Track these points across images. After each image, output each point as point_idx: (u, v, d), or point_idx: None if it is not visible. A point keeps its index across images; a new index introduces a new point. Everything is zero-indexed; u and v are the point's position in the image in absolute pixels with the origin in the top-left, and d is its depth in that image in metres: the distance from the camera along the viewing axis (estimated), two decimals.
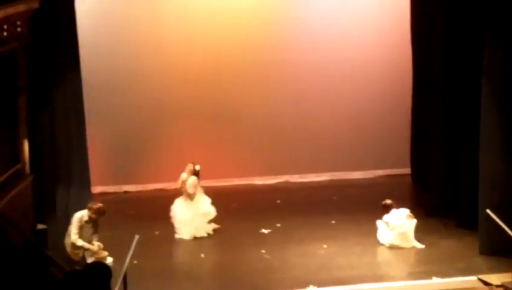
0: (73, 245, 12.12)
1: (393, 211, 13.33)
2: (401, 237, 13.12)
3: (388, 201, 13.48)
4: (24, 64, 13.01)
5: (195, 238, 13.97)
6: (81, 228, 12.16)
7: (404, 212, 13.31)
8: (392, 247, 13.11)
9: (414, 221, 13.28)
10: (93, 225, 12.29)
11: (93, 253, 12.13)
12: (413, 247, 13.12)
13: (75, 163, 13.50)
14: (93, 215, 12.19)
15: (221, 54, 17.34)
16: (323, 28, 17.66)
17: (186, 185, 14.26)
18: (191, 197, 14.25)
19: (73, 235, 12.07)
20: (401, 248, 13.08)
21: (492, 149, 12.47)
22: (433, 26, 14.93)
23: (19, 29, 12.44)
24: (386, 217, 13.32)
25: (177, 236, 14.06)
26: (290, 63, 17.61)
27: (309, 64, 17.62)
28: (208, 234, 14.14)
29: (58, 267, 10.40)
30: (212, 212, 14.36)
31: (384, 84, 17.81)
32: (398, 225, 13.16)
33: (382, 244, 13.28)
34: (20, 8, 12.10)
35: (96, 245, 12.25)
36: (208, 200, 14.46)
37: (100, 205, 12.29)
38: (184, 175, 14.34)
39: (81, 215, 12.23)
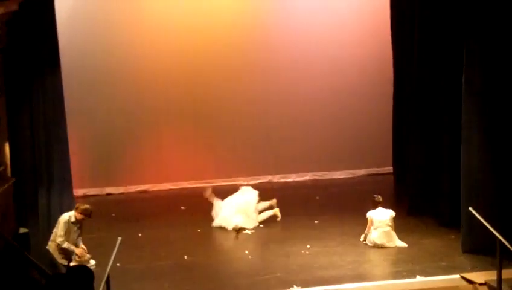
0: (59, 247, 12.01)
1: (380, 209, 13.34)
2: (385, 236, 13.13)
3: (378, 197, 13.51)
4: (2, 67, 12.96)
5: (178, 240, 13.95)
6: (68, 231, 12.08)
7: (390, 213, 13.32)
8: (375, 246, 13.12)
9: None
10: (79, 227, 12.22)
11: (77, 255, 12.07)
12: (396, 246, 13.14)
13: (56, 166, 13.44)
14: (80, 216, 12.10)
15: (202, 54, 17.31)
16: (305, 27, 17.67)
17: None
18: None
19: (59, 238, 11.95)
20: (384, 247, 13.09)
21: (473, 148, 12.51)
22: (413, 27, 14.95)
23: None
24: (370, 212, 13.34)
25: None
26: (271, 63, 17.60)
27: (290, 65, 17.62)
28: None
29: (40, 271, 10.38)
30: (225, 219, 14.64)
31: (366, 84, 17.84)
32: (380, 222, 13.17)
33: (364, 244, 13.30)
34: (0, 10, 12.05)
35: (80, 248, 12.19)
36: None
37: (87, 206, 12.22)
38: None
39: (68, 216, 12.13)
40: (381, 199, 13.47)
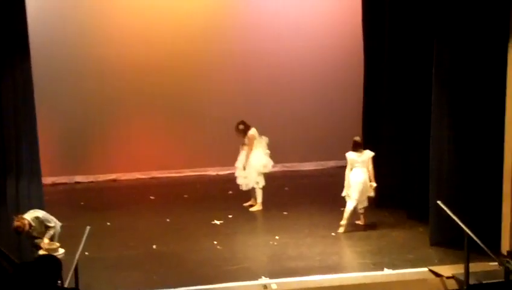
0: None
1: (358, 151, 13.67)
2: (361, 194, 13.58)
3: (357, 138, 13.98)
4: None
5: (147, 229, 13.94)
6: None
7: (367, 154, 13.73)
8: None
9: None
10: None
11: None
12: (365, 239, 13.23)
13: (25, 154, 13.30)
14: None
15: (171, 45, 17.30)
16: (273, 20, 17.68)
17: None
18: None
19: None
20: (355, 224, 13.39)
21: (441, 141, 12.60)
22: (384, 24, 14.98)
23: None
24: (348, 153, 13.81)
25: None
26: (242, 56, 17.61)
27: (258, 56, 17.64)
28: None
29: (7, 259, 10.31)
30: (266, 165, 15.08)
31: (336, 75, 17.89)
32: (357, 162, 13.74)
33: (333, 236, 13.37)
34: None
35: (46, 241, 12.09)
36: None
37: (15, 224, 11.77)
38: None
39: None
40: (359, 139, 13.89)
